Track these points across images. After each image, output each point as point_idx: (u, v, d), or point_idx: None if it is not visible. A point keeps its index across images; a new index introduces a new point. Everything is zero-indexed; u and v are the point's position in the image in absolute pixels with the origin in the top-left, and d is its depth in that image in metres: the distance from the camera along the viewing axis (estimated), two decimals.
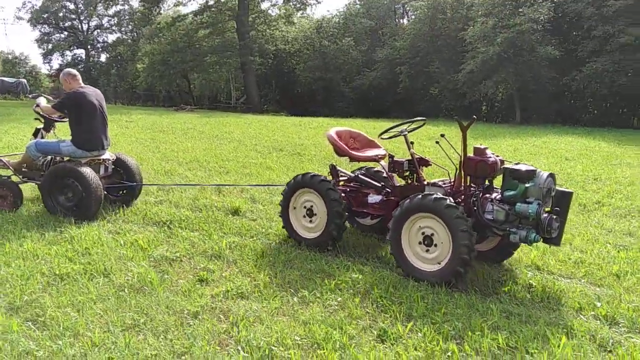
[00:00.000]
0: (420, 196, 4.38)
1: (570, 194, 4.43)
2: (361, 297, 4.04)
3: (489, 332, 3.46)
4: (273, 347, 3.28)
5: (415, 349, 3.30)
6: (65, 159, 6.37)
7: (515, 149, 13.23)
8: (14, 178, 6.54)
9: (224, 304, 3.90)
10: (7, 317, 3.58)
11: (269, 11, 43.32)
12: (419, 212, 4.36)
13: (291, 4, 42.94)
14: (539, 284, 4.39)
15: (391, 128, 5.33)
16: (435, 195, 4.30)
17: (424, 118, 5.41)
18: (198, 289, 4.15)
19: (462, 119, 4.91)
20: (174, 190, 7.51)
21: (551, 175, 4.28)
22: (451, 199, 4.35)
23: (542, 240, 4.26)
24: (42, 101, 6.58)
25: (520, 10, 26.10)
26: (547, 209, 4.30)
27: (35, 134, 6.64)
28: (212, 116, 23.99)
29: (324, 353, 3.23)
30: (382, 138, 5.43)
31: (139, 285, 4.17)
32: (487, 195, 4.50)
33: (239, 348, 3.29)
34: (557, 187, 4.39)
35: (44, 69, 74.23)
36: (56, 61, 68.57)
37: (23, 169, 6.55)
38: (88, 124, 6.24)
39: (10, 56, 74.29)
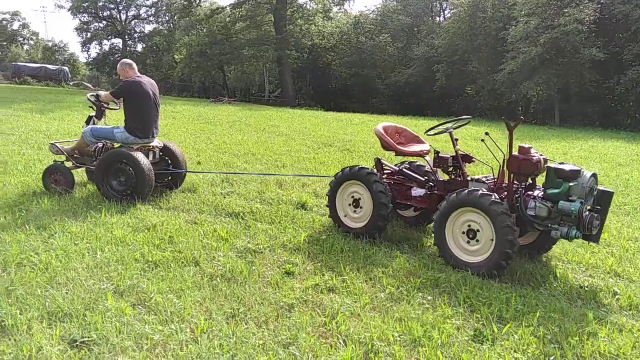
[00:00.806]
0: (466, 191, 4.61)
1: (611, 193, 4.57)
2: (448, 297, 4.09)
3: (586, 338, 3.49)
4: (375, 342, 3.36)
5: (515, 351, 3.35)
6: (116, 145, 6.70)
7: (564, 152, 13.07)
8: (67, 164, 6.85)
9: (316, 297, 3.99)
10: (116, 300, 3.73)
11: (307, 5, 43.36)
12: (465, 206, 4.59)
13: None
14: (623, 292, 4.38)
15: (438, 125, 5.54)
16: (481, 191, 4.52)
17: (469, 117, 5.62)
18: (287, 282, 4.25)
19: (500, 119, 5.08)
20: (237, 182, 7.65)
21: (594, 175, 4.48)
22: (495, 195, 4.54)
23: (581, 237, 4.46)
24: (101, 91, 6.84)
25: (565, 10, 25.67)
26: (587, 207, 4.49)
27: (87, 121, 6.96)
28: (252, 109, 24.20)
29: (426, 351, 3.30)
30: (428, 134, 5.61)
31: (230, 276, 4.30)
32: (530, 193, 4.71)
33: (341, 342, 3.38)
34: (599, 187, 4.58)
35: (82, 57, 75.78)
36: (94, 50, 69.84)
37: (75, 155, 6.86)
38: (142, 112, 6.54)
39: (50, 44, 76.01)
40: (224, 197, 6.87)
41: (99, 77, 68.94)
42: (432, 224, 4.92)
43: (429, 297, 4.06)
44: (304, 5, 43.08)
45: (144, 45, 69.41)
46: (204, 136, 12.42)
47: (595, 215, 4.39)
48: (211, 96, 47.00)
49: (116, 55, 68.58)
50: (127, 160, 6.25)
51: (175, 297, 3.84)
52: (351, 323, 3.61)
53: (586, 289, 4.45)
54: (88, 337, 3.22)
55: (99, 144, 6.75)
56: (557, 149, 13.77)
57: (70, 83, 43.52)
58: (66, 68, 45.79)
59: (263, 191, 7.20)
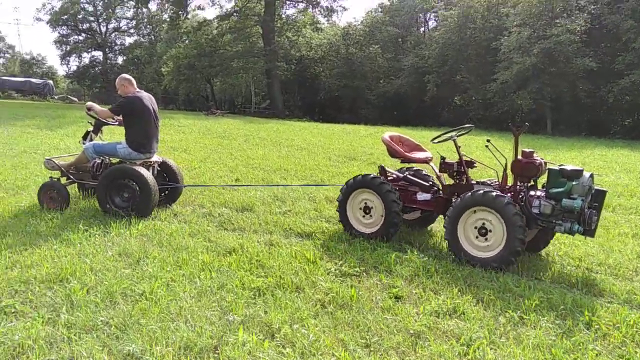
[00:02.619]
0: (481, 192, 4.99)
1: (605, 192, 5.06)
2: (572, 320, 3.99)
3: None
4: None
5: None
6: (114, 160, 6.68)
7: (582, 163, 13.18)
8: (62, 180, 6.71)
9: (441, 323, 3.87)
10: (246, 332, 3.56)
11: (295, 17, 43.42)
12: (478, 205, 4.98)
13: (317, 10, 43.05)
14: None
15: (443, 134, 5.91)
16: (497, 193, 4.91)
17: (471, 125, 5.99)
18: (400, 307, 4.11)
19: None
20: (288, 200, 7.50)
21: (591, 175, 4.97)
22: (508, 196, 4.99)
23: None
24: (96, 105, 6.71)
25: (557, 21, 26.15)
26: (587, 205, 4.92)
27: (85, 137, 6.88)
28: (253, 122, 24.04)
29: None
30: (433, 142, 5.92)
31: (342, 302, 4.15)
32: (533, 193, 5.12)
33: None
34: (595, 186, 5.04)
35: (61, 70, 74.62)
36: (74, 63, 68.80)
37: (71, 171, 6.70)
38: (143, 128, 6.50)
39: (28, 57, 74.77)
40: (284, 216, 6.71)
41: (84, 91, 67.97)
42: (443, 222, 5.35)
43: (557, 321, 3.96)
44: (293, 17, 43.14)
45: (124, 58, 68.72)
46: (225, 151, 12.23)
47: (594, 211, 4.86)
48: (198, 108, 46.70)
49: (96, 68, 67.77)
50: (132, 177, 6.20)
51: (301, 327, 3.68)
52: (492, 352, 3.49)
53: None
54: None
55: (97, 159, 6.63)
56: (573, 159, 13.88)
57: (56, 97, 42.77)
58: (51, 82, 45.04)
59: (320, 209, 7.06)
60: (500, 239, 4.92)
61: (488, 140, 5.56)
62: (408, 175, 6.16)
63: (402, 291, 4.42)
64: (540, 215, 4.96)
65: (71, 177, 6.70)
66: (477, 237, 5.08)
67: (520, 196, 5.09)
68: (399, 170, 6.35)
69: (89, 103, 6.75)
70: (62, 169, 6.66)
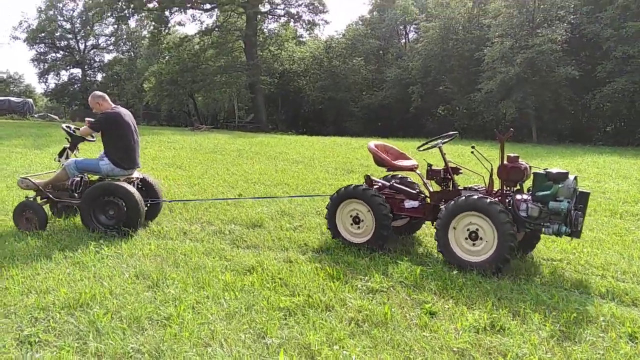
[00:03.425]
0: (475, 197, 5.06)
1: (589, 194, 5.19)
2: (616, 334, 3.89)
3: None
4: None
5: None
6: (93, 178, 6.55)
7: (577, 169, 13.25)
8: (38, 199, 6.46)
9: (484, 340, 3.74)
10: (286, 356, 3.40)
11: (277, 31, 43.47)
12: (469, 210, 5.05)
13: (299, 24, 43.17)
14: None
15: (428, 142, 6.05)
16: (490, 199, 5.01)
17: (456, 132, 6.13)
18: (437, 323, 3.98)
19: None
20: (297, 215, 7.36)
21: (575, 178, 5.11)
22: (496, 200, 5.12)
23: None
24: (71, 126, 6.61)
25: (538, 30, 26.50)
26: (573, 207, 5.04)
27: (60, 154, 6.63)
28: (243, 136, 23.83)
29: None
30: (419, 150, 6.10)
31: (376, 320, 4.01)
32: (519, 197, 5.23)
33: None
34: (578, 189, 5.15)
35: (39, 89, 73.64)
36: (52, 80, 68.04)
37: (47, 189, 6.44)
38: (124, 143, 6.39)
39: (4, 75, 73.65)
40: (296, 232, 6.57)
41: (65, 109, 67.03)
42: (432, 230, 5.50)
43: (600, 334, 3.86)
44: (276, 31, 43.18)
45: (104, 75, 68.09)
46: (220, 167, 12.04)
47: (579, 213, 4.98)
48: (181, 124, 46.37)
49: (75, 86, 66.98)
50: (118, 194, 6.05)
51: (341, 349, 3.53)
52: None
53: None
54: None
55: (77, 177, 6.44)
56: (566, 166, 13.94)
57: (35, 115, 42.09)
58: (31, 100, 44.23)
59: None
60: (492, 241, 5.02)
61: (473, 147, 5.67)
62: (394, 183, 6.20)
63: (435, 307, 4.29)
64: (528, 218, 5.06)
65: (49, 195, 6.41)
66: (467, 242, 5.17)
67: (507, 200, 5.22)
68: (384, 179, 6.39)
69: (65, 125, 6.61)
70: (40, 187, 6.37)
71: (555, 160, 15.76)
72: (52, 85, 67.64)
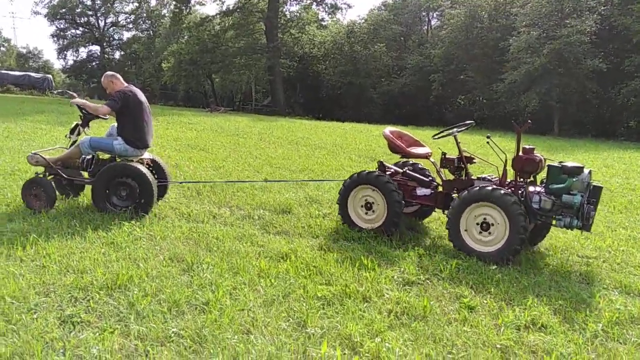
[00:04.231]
0: (489, 188, 5.07)
1: (601, 188, 5.19)
2: None
3: None
4: None
5: None
6: (104, 157, 6.43)
7: (605, 165, 13.04)
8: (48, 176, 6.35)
9: (526, 337, 3.67)
10: (329, 347, 3.36)
11: (299, 14, 43.15)
12: (482, 201, 5.08)
13: (321, 7, 42.79)
14: None
15: (443, 130, 6.02)
16: (504, 191, 5.03)
17: (472, 121, 6.08)
18: (477, 318, 3.92)
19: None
20: (325, 203, 7.31)
21: (590, 172, 5.13)
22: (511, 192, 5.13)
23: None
24: (89, 103, 6.45)
25: (567, 21, 26.01)
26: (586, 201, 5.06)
27: (72, 131, 6.50)
28: (263, 120, 23.79)
29: None
30: (435, 139, 6.09)
31: (415, 313, 3.95)
32: (532, 189, 5.24)
33: None
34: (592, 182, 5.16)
35: (58, 65, 73.97)
36: (71, 57, 68.29)
37: (57, 166, 6.32)
38: (139, 123, 6.32)
39: (24, 50, 74.10)
40: (325, 219, 6.52)
41: (83, 86, 67.39)
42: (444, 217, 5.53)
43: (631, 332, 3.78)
44: (298, 14, 42.85)
45: (122, 53, 68.29)
46: (244, 150, 12.01)
47: (592, 207, 4.99)
48: (197, 105, 46.39)
49: (94, 63, 67.25)
50: (132, 175, 5.99)
51: (383, 341, 3.48)
52: None
53: None
54: None
55: (89, 155, 6.33)
56: (592, 162, 13.74)
57: (55, 92, 42.29)
58: (50, 76, 44.49)
59: None
60: (503, 232, 5.06)
61: (488, 137, 5.67)
62: (407, 171, 6.21)
63: (473, 301, 4.23)
64: (540, 210, 5.10)
65: (58, 172, 6.28)
66: (478, 231, 5.20)
67: (520, 191, 5.24)
68: (396, 165, 6.41)
69: (77, 100, 6.42)
70: (50, 163, 6.23)
71: (581, 154, 15.53)
72: (70, 62, 68.10)
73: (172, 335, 3.38)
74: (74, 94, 7.44)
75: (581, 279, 4.95)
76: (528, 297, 4.33)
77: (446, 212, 5.58)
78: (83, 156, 6.32)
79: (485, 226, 5.15)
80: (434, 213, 6.75)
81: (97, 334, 3.33)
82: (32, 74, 43.56)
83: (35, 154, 6.29)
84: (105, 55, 67.27)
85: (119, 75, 6.52)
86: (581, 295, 4.44)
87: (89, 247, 4.86)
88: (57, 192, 6.38)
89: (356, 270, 4.75)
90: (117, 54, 68.73)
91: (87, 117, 6.44)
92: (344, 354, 3.31)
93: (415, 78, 37.53)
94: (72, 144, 6.45)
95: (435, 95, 35.17)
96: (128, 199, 6.03)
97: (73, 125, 6.50)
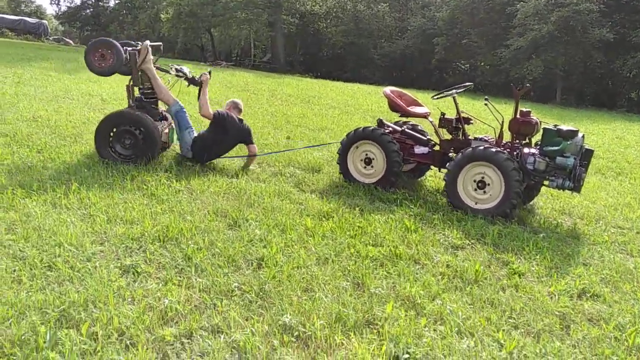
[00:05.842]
0: (483, 148, 5.27)
1: (593, 151, 5.46)
2: None
3: None
4: None
5: None
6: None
7: (616, 137, 13.05)
8: None
9: (579, 306, 3.68)
10: (395, 307, 3.36)
11: None
12: (478, 160, 5.27)
13: None
14: None
15: (443, 91, 6.18)
16: (497, 149, 5.23)
17: (470, 83, 6.32)
18: (528, 285, 3.94)
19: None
20: None
21: (583, 136, 5.35)
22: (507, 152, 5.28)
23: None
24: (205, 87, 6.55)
25: None
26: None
27: (186, 78, 6.61)
28: (270, 76, 23.41)
29: None
30: (434, 99, 6.32)
31: (468, 277, 3.96)
32: (527, 150, 5.40)
33: None
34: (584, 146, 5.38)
35: (50, 10, 72.03)
36: (64, 3, 66.49)
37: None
38: (212, 147, 6.46)
39: None
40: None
41: (75, 33, 65.84)
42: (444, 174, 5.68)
43: None
44: None
45: (117, 1, 66.48)
46: (258, 107, 11.83)
47: (583, 169, 5.24)
48: (195, 58, 45.55)
49: (87, 10, 65.48)
50: (135, 123, 5.91)
51: (444, 304, 3.49)
52: None
53: None
54: (412, 354, 2.87)
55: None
56: (602, 132, 13.75)
57: (50, 38, 41.33)
58: (45, 22, 43.43)
59: None
60: (498, 189, 5.25)
61: (486, 99, 5.86)
62: (406, 129, 6.36)
63: (522, 268, 4.24)
64: (534, 171, 5.30)
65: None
66: (475, 190, 5.39)
67: (515, 153, 5.40)
68: (395, 124, 6.55)
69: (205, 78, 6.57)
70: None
71: (588, 124, 15.54)
72: (63, 8, 66.25)
73: (235, 289, 3.36)
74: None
75: (620, 249, 4.98)
76: (574, 266, 4.36)
77: (442, 170, 5.92)
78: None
79: (481, 185, 5.35)
80: None
81: (161, 285, 3.30)
82: (28, 19, 42.41)
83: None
84: (100, 3, 65.46)
85: (238, 106, 6.75)
86: (627, 266, 4.47)
87: (131, 198, 4.78)
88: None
89: (400, 232, 4.73)
90: (111, 2, 66.86)
91: (191, 83, 6.55)
92: (407, 314, 3.31)
93: (417, 41, 37.02)
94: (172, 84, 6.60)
95: (438, 59, 34.80)
96: (133, 147, 5.92)
97: (190, 77, 6.57)
